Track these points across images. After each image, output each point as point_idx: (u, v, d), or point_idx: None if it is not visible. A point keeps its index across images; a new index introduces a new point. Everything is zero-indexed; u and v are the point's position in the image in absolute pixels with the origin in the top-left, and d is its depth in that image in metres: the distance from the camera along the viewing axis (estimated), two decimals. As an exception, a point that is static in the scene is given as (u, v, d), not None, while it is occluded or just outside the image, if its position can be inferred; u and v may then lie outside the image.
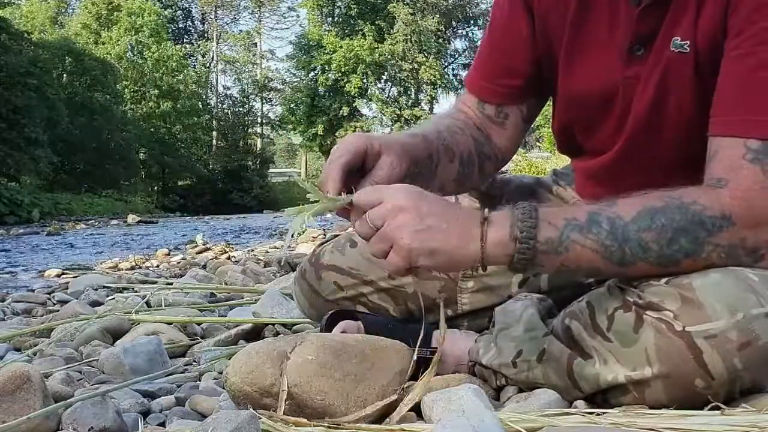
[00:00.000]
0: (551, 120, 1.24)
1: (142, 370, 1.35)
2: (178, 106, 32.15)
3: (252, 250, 5.20)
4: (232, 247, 5.75)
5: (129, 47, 31.14)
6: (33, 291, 3.09)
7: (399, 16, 35.42)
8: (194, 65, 37.43)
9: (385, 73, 37.29)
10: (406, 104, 36.47)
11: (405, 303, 1.27)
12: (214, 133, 36.04)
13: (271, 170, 38.93)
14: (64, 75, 27.19)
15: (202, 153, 34.66)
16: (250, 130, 38.02)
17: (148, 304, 2.13)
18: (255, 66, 40.19)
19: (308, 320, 1.53)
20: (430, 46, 36.57)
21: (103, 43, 30.28)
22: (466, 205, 1.32)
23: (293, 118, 37.32)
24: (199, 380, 1.34)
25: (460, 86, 33.37)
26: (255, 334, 1.70)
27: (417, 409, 0.97)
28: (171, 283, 2.75)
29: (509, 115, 1.22)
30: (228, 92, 39.86)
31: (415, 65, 36.09)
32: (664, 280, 0.91)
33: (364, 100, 37.12)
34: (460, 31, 38.86)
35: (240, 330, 1.70)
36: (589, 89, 1.11)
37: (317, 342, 0.99)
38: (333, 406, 0.94)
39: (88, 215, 19.21)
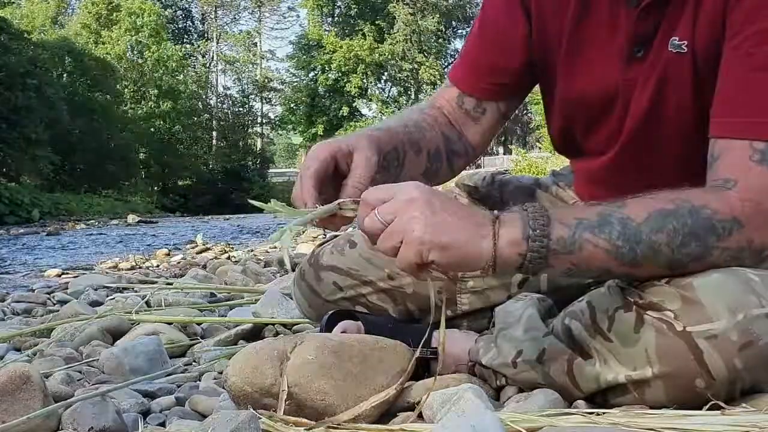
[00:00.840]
0: (547, 121, 1.24)
1: (142, 370, 1.35)
2: (178, 106, 32.16)
3: (252, 250, 5.20)
4: (232, 247, 5.74)
5: (129, 47, 31.15)
6: (33, 291, 3.09)
7: (399, 16, 35.43)
8: (194, 65, 37.45)
9: (385, 73, 37.30)
10: (406, 104, 36.46)
11: (404, 303, 1.27)
12: (214, 133, 36.04)
13: (271, 170, 38.96)
14: (64, 75, 27.20)
15: (202, 153, 34.67)
16: (250, 130, 38.05)
17: (148, 304, 2.13)
18: (255, 66, 40.20)
19: (308, 320, 1.53)
20: (430, 46, 36.60)
21: (103, 43, 30.28)
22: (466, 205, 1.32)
23: (293, 118, 37.35)
24: (199, 380, 1.34)
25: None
26: (255, 334, 1.70)
27: (417, 409, 0.97)
28: (171, 283, 2.75)
29: (486, 110, 1.23)
30: (228, 92, 39.90)
31: (415, 65, 36.10)
32: (664, 279, 0.91)
33: (364, 100, 37.14)
34: (460, 31, 38.87)
35: (240, 330, 1.71)
36: (590, 91, 1.11)
37: (317, 342, 0.99)
38: (333, 406, 0.95)
39: (88, 215, 19.19)
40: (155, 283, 2.88)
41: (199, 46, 39.15)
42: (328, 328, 1.17)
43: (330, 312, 1.21)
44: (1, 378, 0.96)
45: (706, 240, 0.88)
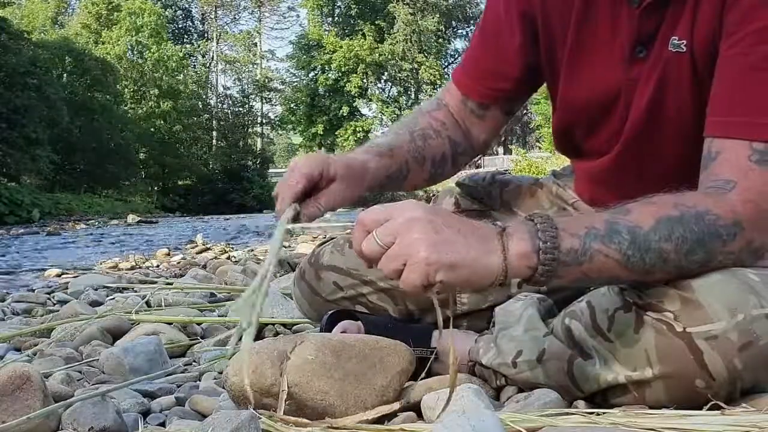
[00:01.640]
0: (552, 120, 1.25)
1: (142, 370, 1.34)
2: (178, 106, 32.17)
3: (252, 250, 5.20)
4: (232, 247, 5.74)
5: (129, 47, 31.15)
6: (33, 291, 3.08)
7: (399, 16, 35.42)
8: (194, 65, 37.46)
9: (385, 73, 37.30)
10: (406, 104, 36.48)
11: (404, 303, 1.27)
12: (214, 132, 36.04)
13: (271, 170, 38.98)
14: (64, 75, 27.19)
15: (202, 153, 34.67)
16: (250, 130, 38.05)
17: (148, 304, 2.13)
18: (255, 66, 40.21)
19: (308, 320, 1.53)
20: (430, 46, 36.60)
21: (104, 43, 30.29)
22: (466, 205, 1.32)
23: (293, 118, 37.35)
24: (199, 380, 1.34)
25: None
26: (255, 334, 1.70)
27: (417, 409, 0.97)
28: (171, 283, 2.75)
29: (490, 110, 1.27)
30: (228, 92, 39.90)
31: (415, 65, 36.10)
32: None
33: (364, 100, 37.14)
34: (460, 31, 38.89)
35: (240, 330, 1.70)
36: (593, 92, 1.11)
37: (317, 342, 0.99)
38: (333, 406, 0.95)
39: (88, 215, 19.19)
40: (155, 283, 2.88)
41: (199, 46, 39.15)
42: (328, 327, 1.17)
43: (330, 312, 1.21)
44: (1, 378, 0.96)
45: (711, 246, 0.87)
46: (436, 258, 0.79)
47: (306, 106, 36.35)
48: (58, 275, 4.04)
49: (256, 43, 40.51)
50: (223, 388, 1.12)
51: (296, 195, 1.00)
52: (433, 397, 0.94)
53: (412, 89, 37.21)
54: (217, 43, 39.66)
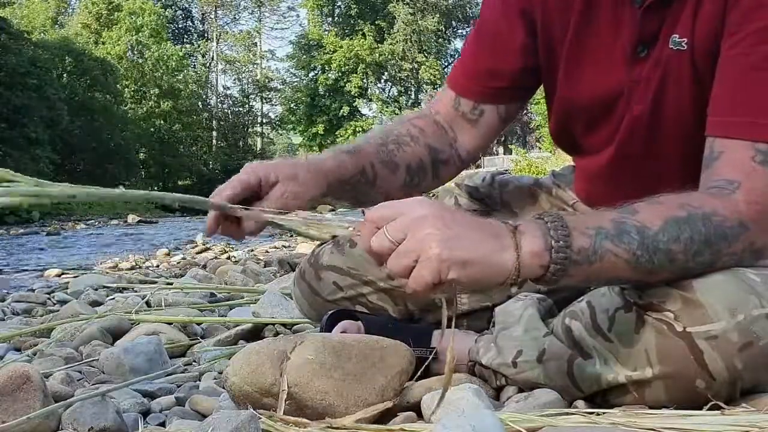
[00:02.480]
0: (549, 120, 1.25)
1: (142, 370, 1.34)
2: (178, 105, 32.19)
3: (252, 250, 5.20)
4: (232, 247, 5.74)
5: (129, 47, 31.16)
6: (33, 291, 3.09)
7: (399, 16, 35.43)
8: (194, 65, 37.47)
9: (385, 73, 37.32)
10: (406, 104, 36.49)
11: (404, 303, 1.27)
12: (214, 132, 36.07)
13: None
14: (64, 75, 27.20)
15: (202, 153, 34.70)
16: (250, 129, 38.07)
17: (148, 304, 2.13)
18: (255, 66, 40.23)
19: (308, 320, 1.53)
20: (430, 46, 36.61)
21: (104, 43, 30.30)
22: (466, 205, 1.32)
23: (293, 118, 37.37)
24: (199, 380, 1.34)
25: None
26: (255, 334, 1.70)
27: (417, 409, 0.97)
28: (171, 283, 2.75)
29: (484, 113, 1.23)
30: (228, 92, 39.94)
31: (415, 65, 36.12)
32: None
33: (364, 100, 37.15)
34: (460, 31, 38.88)
35: (240, 330, 1.70)
36: (594, 92, 1.11)
37: (317, 342, 0.99)
38: (333, 406, 0.94)
39: (88, 215, 19.19)
40: (155, 283, 2.88)
41: (199, 46, 39.17)
42: (328, 327, 1.17)
43: (330, 312, 1.21)
44: (1, 378, 0.96)
45: (718, 247, 0.87)
46: (449, 254, 0.77)
47: (306, 106, 36.36)
48: (58, 275, 4.05)
49: (256, 43, 40.54)
50: (223, 388, 1.12)
51: (227, 197, 1.00)
52: (433, 397, 0.94)
53: (412, 89, 37.22)
54: (217, 43, 39.67)
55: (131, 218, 15.83)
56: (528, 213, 1.29)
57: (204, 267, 3.76)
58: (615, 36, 1.06)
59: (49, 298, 2.74)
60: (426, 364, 1.12)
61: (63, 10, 34.57)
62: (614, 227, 0.85)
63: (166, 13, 35.08)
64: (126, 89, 30.71)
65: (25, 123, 20.38)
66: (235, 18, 41.27)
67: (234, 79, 40.20)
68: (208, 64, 38.77)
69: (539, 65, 1.18)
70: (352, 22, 36.81)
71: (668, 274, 0.88)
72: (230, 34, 40.66)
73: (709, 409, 0.85)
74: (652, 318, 0.89)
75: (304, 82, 37.45)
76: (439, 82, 35.68)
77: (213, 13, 39.75)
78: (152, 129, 31.41)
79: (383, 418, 0.97)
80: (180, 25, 39.86)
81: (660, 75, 1.04)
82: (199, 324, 1.86)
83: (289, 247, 5.34)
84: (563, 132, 1.21)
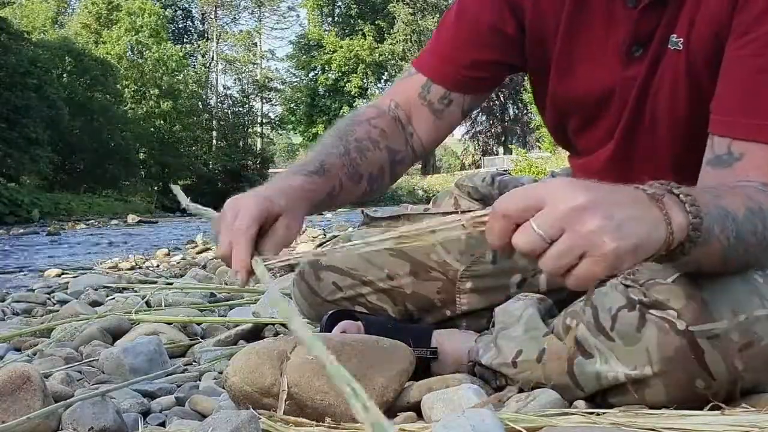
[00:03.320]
0: (542, 117, 1.25)
1: (142, 370, 1.35)
2: (178, 105, 32.18)
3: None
4: (232, 247, 5.73)
5: (129, 47, 31.16)
6: (33, 291, 3.09)
7: (399, 16, 35.43)
8: (194, 65, 37.47)
9: (385, 73, 37.30)
10: (406, 104, 36.46)
11: (404, 304, 1.27)
12: (214, 132, 36.06)
13: (271, 170, 38.96)
14: (64, 75, 27.19)
15: (202, 153, 34.67)
16: (250, 129, 38.05)
17: (148, 304, 2.13)
18: (255, 66, 40.23)
19: (308, 320, 1.53)
20: (430, 46, 36.60)
21: (104, 43, 30.30)
22: (465, 206, 1.32)
23: (293, 118, 37.39)
24: (199, 380, 1.34)
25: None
26: (255, 334, 1.70)
27: (417, 409, 0.97)
28: (171, 283, 2.75)
29: (452, 103, 1.20)
30: (228, 92, 39.93)
31: (415, 65, 36.11)
32: (671, 279, 0.90)
33: (364, 100, 37.12)
34: (460, 31, 38.85)
35: (240, 330, 1.71)
36: (587, 89, 1.11)
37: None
38: (333, 406, 0.94)
39: (88, 215, 19.20)
40: (155, 283, 2.88)
41: (199, 46, 39.18)
42: (329, 328, 1.17)
43: (330, 312, 1.21)
44: (1, 378, 0.96)
45: None
46: (625, 246, 0.70)
47: (306, 106, 36.37)
48: (58, 275, 4.05)
49: (256, 43, 40.54)
50: (223, 388, 1.12)
51: (253, 239, 0.91)
52: (433, 397, 0.94)
53: (412, 89, 37.21)
54: (217, 43, 39.68)
55: (131, 218, 15.84)
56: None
57: (204, 267, 3.76)
58: (607, 33, 1.06)
59: (49, 298, 2.74)
60: (429, 364, 1.12)
61: (63, 10, 34.58)
62: (716, 211, 0.80)
63: (166, 13, 35.06)
64: (126, 89, 30.70)
65: (25, 123, 20.38)
66: (235, 18, 41.31)
67: (234, 79, 40.24)
68: (208, 64, 38.77)
69: (523, 61, 1.17)
70: (352, 22, 36.82)
71: (733, 266, 0.85)
72: (230, 34, 40.68)
73: (709, 410, 0.85)
74: (655, 316, 0.89)
75: (304, 82, 37.46)
76: (439, 82, 35.62)
77: (213, 13, 39.76)
78: (152, 129, 31.40)
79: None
80: (180, 25, 39.86)
81: (655, 75, 1.04)
82: (199, 324, 1.86)
83: (288, 247, 5.33)
84: (559, 129, 1.22)
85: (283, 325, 1.73)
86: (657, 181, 0.77)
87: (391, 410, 0.98)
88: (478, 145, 39.74)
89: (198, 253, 5.44)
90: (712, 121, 0.98)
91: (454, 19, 1.21)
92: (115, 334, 1.73)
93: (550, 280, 1.21)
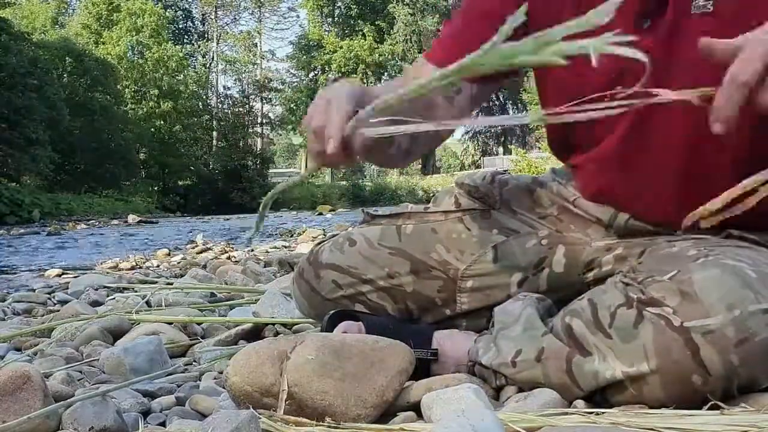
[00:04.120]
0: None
1: (143, 370, 1.35)
2: (179, 106, 32.18)
3: (252, 250, 5.20)
4: (233, 247, 5.74)
5: (129, 47, 31.17)
6: (33, 291, 3.09)
7: (399, 16, 35.45)
8: (194, 65, 37.48)
9: (386, 73, 37.31)
10: (406, 104, 36.44)
11: (404, 302, 1.27)
12: (214, 133, 36.06)
13: (271, 170, 38.97)
14: (65, 75, 27.22)
15: (203, 153, 34.67)
16: (250, 130, 38.04)
17: (148, 304, 2.13)
18: (255, 66, 40.23)
19: (308, 320, 1.53)
20: (430, 46, 36.64)
21: (104, 44, 30.31)
22: (466, 204, 1.32)
23: (293, 118, 37.36)
24: (200, 380, 1.34)
25: (460, 86, 33.48)
26: (255, 334, 1.70)
27: (417, 409, 0.97)
28: (171, 283, 2.75)
29: (461, 91, 1.19)
30: (228, 92, 39.94)
31: (416, 65, 36.13)
32: (668, 276, 0.91)
33: (365, 100, 37.14)
34: (460, 31, 38.88)
35: (240, 330, 1.71)
36: (591, 75, 1.09)
37: (317, 342, 0.99)
38: (333, 406, 0.95)
39: (88, 215, 19.19)
40: (155, 283, 2.88)
41: (199, 47, 39.20)
42: (329, 328, 1.17)
43: (331, 312, 1.21)
44: (1, 378, 0.96)
45: None
46: None
47: (306, 107, 36.32)
48: (59, 275, 4.05)
49: (256, 43, 40.55)
50: (223, 388, 1.12)
51: (349, 113, 0.88)
52: (433, 397, 0.94)
53: (413, 89, 37.19)
54: (218, 44, 39.69)
55: (131, 218, 15.85)
56: (528, 211, 1.29)
57: (204, 267, 3.76)
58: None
59: (49, 298, 2.74)
60: (426, 365, 1.13)
61: (63, 11, 34.59)
62: None
63: (167, 13, 35.06)
64: (126, 89, 30.73)
65: (26, 123, 20.39)
66: (235, 18, 41.34)
67: (234, 80, 40.24)
68: (208, 64, 38.78)
69: None
70: (352, 22, 36.83)
71: None
72: (230, 35, 40.70)
73: (708, 409, 0.85)
74: (651, 313, 0.89)
75: (305, 82, 37.47)
76: (439, 82, 35.61)
77: (213, 13, 39.77)
78: (152, 129, 31.40)
79: (383, 417, 0.97)
80: (180, 26, 39.87)
81: (671, 42, 1.01)
82: (199, 324, 1.86)
83: (288, 247, 5.34)
84: (561, 126, 1.19)
85: (284, 324, 1.74)
86: None
87: (391, 410, 0.99)
88: (478, 145, 39.73)
89: (198, 253, 5.44)
90: None
91: (462, 12, 1.21)
92: (115, 334, 1.73)
93: (549, 280, 1.20)
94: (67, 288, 3.06)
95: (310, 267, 1.33)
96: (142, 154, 30.69)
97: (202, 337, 1.76)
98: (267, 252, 4.93)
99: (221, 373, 1.28)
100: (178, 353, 1.63)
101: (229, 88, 40.54)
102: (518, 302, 1.10)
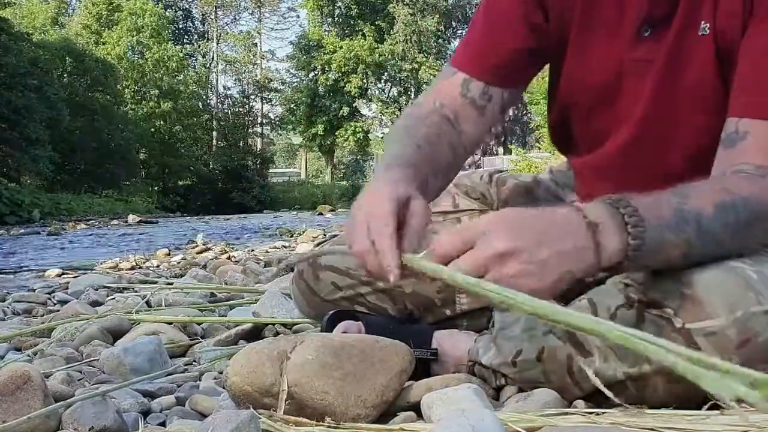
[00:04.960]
0: (548, 113, 1.23)
1: (143, 370, 1.35)
2: (179, 106, 32.17)
3: (252, 250, 5.20)
4: (232, 247, 5.74)
5: (129, 48, 31.16)
6: (33, 291, 3.08)
7: (399, 16, 35.44)
8: (194, 65, 37.47)
9: (385, 74, 37.31)
10: (406, 104, 36.45)
11: (404, 303, 1.27)
12: (215, 133, 36.04)
13: (272, 170, 38.96)
14: (65, 75, 27.20)
15: (203, 153, 34.64)
16: (250, 130, 38.03)
17: (148, 304, 2.13)
18: (255, 66, 40.21)
19: (308, 320, 1.53)
20: (430, 46, 36.59)
21: (104, 44, 30.30)
22: (464, 205, 1.32)
23: (293, 118, 37.36)
24: (200, 380, 1.34)
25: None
26: (255, 334, 1.70)
27: (417, 409, 0.97)
28: (171, 283, 2.75)
29: (492, 98, 1.17)
30: (228, 92, 39.91)
31: (415, 65, 36.09)
32: (668, 277, 0.90)
33: (364, 100, 37.15)
34: (460, 32, 38.83)
35: (240, 330, 1.71)
36: (593, 71, 1.09)
37: (317, 342, 0.99)
38: (333, 406, 0.95)
39: (88, 215, 19.17)
40: (155, 283, 2.88)
41: (199, 47, 39.18)
42: (329, 328, 1.17)
43: (331, 312, 1.21)
44: (1, 378, 0.96)
45: (756, 230, 0.89)
46: (543, 286, 0.80)
47: (306, 107, 36.34)
48: (59, 275, 4.05)
49: (256, 43, 40.52)
50: (223, 387, 1.12)
51: (394, 235, 0.86)
52: (433, 397, 0.94)
53: (412, 90, 37.19)
54: (218, 44, 39.67)
55: (131, 218, 15.85)
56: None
57: (204, 267, 3.76)
58: (621, 14, 1.05)
59: (49, 298, 2.74)
60: (426, 365, 1.12)
61: (63, 11, 34.56)
62: (675, 217, 0.84)
63: (167, 14, 35.05)
64: (126, 90, 30.71)
65: (26, 123, 20.37)
66: (235, 18, 41.31)
67: (234, 80, 40.21)
68: (208, 64, 38.76)
69: (549, 49, 1.15)
70: (352, 22, 36.81)
71: (706, 258, 0.88)
72: (230, 35, 40.66)
73: (708, 409, 0.85)
74: (653, 315, 0.89)
75: (304, 82, 37.43)
76: (439, 82, 35.56)
77: (213, 13, 39.75)
78: (152, 129, 31.37)
79: (383, 417, 0.97)
80: (180, 26, 39.86)
81: (675, 59, 1.02)
82: (199, 324, 1.86)
83: (288, 247, 5.34)
84: (563, 118, 1.18)
85: (284, 325, 1.74)
86: (613, 196, 0.83)
87: (390, 410, 0.99)
88: (478, 145, 39.59)
89: (198, 253, 5.44)
90: (729, 102, 0.98)
91: (483, 16, 1.19)
92: (115, 334, 1.73)
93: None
94: (67, 288, 3.06)
95: (310, 268, 1.33)
96: (142, 154, 30.67)
97: (202, 337, 1.76)
98: (267, 252, 4.93)
99: (221, 373, 1.28)
100: (178, 353, 1.63)
101: (229, 88, 40.54)
102: (518, 302, 1.10)
